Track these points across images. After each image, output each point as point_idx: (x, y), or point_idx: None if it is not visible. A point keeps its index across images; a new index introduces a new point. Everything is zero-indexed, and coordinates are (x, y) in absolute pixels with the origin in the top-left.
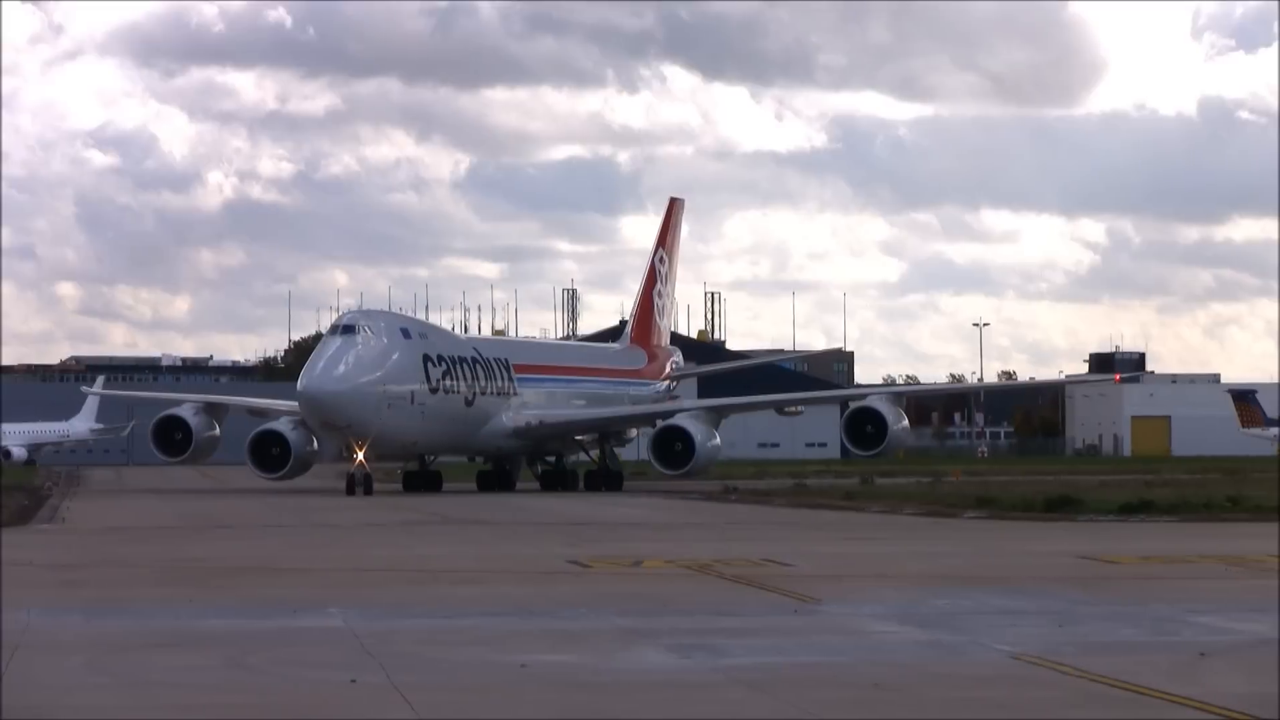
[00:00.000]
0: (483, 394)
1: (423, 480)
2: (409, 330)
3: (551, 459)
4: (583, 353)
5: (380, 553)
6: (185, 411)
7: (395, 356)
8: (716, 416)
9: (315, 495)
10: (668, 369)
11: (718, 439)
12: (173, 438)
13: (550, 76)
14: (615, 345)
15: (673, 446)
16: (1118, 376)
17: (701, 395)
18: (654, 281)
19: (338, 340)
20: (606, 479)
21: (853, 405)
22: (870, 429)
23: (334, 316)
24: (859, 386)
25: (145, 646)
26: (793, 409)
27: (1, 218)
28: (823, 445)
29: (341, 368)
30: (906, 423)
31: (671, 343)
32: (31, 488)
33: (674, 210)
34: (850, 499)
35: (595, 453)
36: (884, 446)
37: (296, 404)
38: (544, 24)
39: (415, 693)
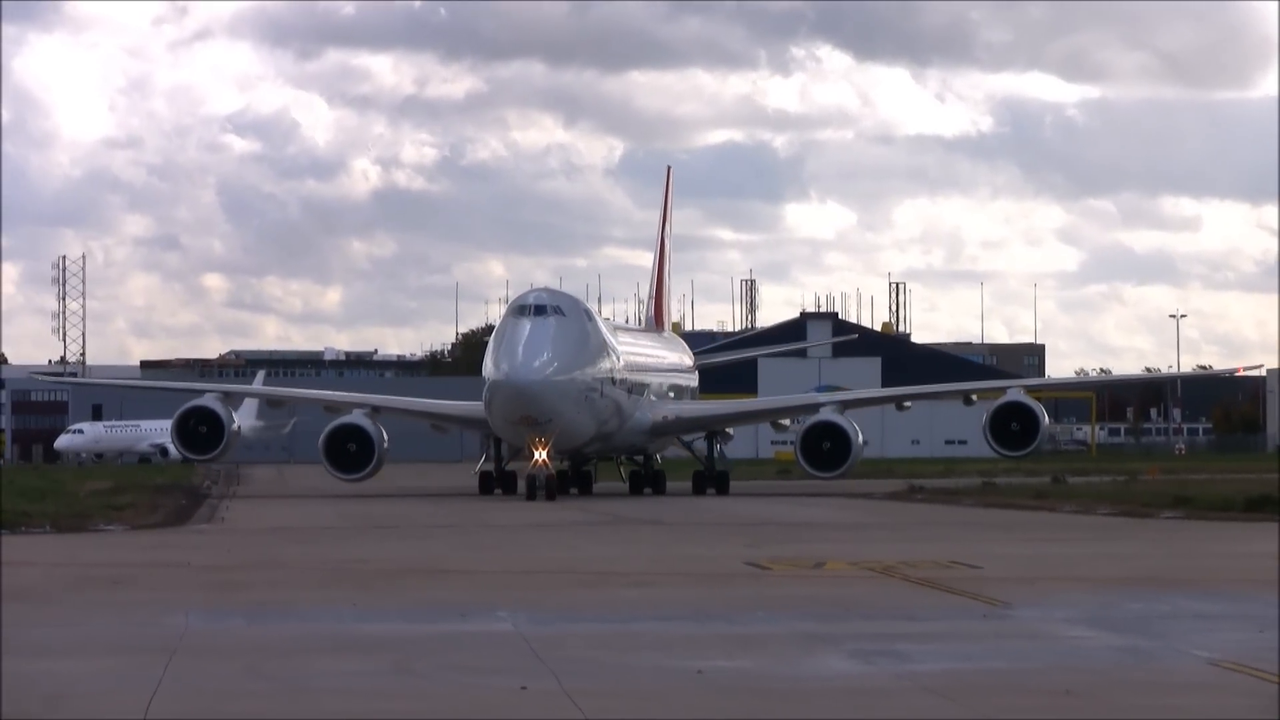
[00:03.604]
0: (635, 386)
1: (499, 481)
2: (589, 312)
3: (639, 458)
4: (660, 342)
5: (549, 554)
6: (212, 403)
7: (588, 342)
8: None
9: (475, 498)
10: (690, 359)
11: (862, 437)
12: (198, 432)
13: (698, 58)
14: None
15: (821, 445)
16: (1240, 369)
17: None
18: (664, 260)
19: (528, 323)
20: (715, 480)
21: (996, 402)
22: (1015, 426)
23: (500, 309)
24: (990, 377)
25: (307, 651)
26: (907, 404)
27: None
28: None
29: (541, 357)
30: (1047, 418)
31: (852, 334)
32: (189, 487)
33: (670, 180)
34: (1041, 498)
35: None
36: (1035, 446)
37: (333, 394)
38: (687, 3)
39: (587, 699)
